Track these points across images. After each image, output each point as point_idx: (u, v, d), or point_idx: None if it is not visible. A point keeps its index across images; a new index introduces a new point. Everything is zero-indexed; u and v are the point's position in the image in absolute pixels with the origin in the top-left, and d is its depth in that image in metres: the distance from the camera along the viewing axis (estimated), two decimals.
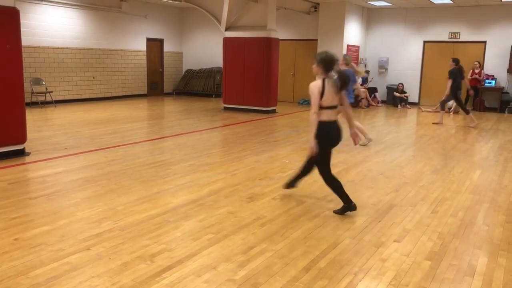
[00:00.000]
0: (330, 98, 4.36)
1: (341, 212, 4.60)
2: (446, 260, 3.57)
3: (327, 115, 4.39)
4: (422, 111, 13.98)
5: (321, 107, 4.34)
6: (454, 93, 10.79)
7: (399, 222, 4.41)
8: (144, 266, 3.34)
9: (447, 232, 4.18)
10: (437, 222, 4.42)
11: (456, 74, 10.69)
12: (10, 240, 3.75)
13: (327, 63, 4.38)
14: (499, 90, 14.11)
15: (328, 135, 4.45)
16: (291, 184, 5.20)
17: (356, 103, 14.89)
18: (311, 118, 4.34)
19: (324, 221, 4.39)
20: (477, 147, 8.68)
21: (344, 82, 4.38)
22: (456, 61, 10.86)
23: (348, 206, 4.57)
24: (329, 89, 4.33)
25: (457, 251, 3.77)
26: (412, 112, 13.95)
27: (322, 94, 4.32)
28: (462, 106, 11.22)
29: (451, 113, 13.34)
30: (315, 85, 4.37)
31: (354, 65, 8.16)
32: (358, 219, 4.46)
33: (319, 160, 4.57)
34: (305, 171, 5.02)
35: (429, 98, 15.24)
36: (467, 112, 11.03)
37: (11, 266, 3.30)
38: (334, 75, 4.37)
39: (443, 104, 11.34)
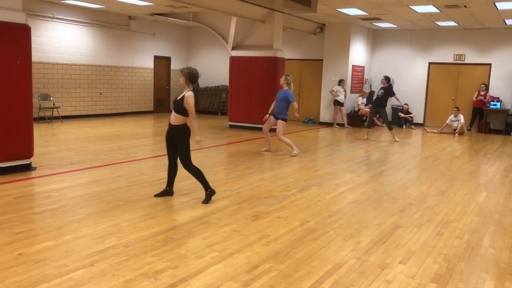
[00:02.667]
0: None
1: (207, 201, 5.39)
2: (452, 283, 3.54)
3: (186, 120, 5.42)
4: (427, 132, 13.98)
5: (186, 115, 5.33)
6: (379, 107, 11.89)
7: (404, 243, 4.38)
8: (148, 284, 3.32)
9: (453, 254, 4.14)
10: (443, 244, 4.38)
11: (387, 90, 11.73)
12: (14, 255, 3.75)
13: (194, 76, 5.35)
14: (504, 112, 14.11)
15: (189, 135, 5.48)
16: (168, 191, 5.70)
17: (360, 123, 14.98)
18: (195, 121, 5.38)
19: (328, 241, 4.36)
20: (482, 169, 8.64)
21: (198, 97, 5.46)
22: (388, 78, 11.85)
23: (211, 192, 5.43)
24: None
25: (463, 274, 3.73)
26: (417, 133, 13.95)
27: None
28: (371, 119, 12.30)
29: (456, 134, 13.33)
30: (191, 96, 5.29)
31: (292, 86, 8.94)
32: (363, 239, 4.43)
33: (186, 155, 5.42)
34: (173, 169, 5.65)
35: (434, 119, 15.25)
36: (369, 126, 12.34)
37: (14, 281, 3.29)
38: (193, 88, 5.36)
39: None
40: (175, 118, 5.41)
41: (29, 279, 3.33)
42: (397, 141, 11.51)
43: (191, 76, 5.34)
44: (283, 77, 8.97)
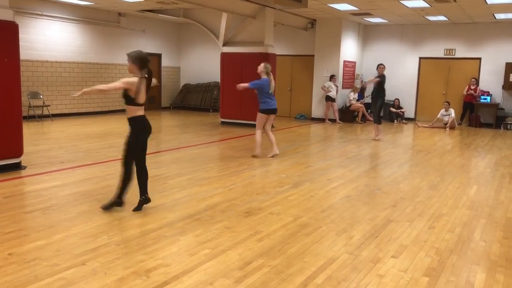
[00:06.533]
0: (143, 96, 4.74)
1: (140, 207, 4.93)
2: (444, 276, 3.56)
3: (142, 111, 4.81)
4: (419, 127, 14.04)
5: (137, 104, 4.71)
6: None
7: (396, 237, 4.40)
8: (140, 282, 3.30)
9: (444, 248, 4.16)
10: (435, 238, 4.41)
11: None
12: (4, 255, 3.71)
13: (142, 60, 4.69)
14: (494, 106, 14.22)
15: (145, 129, 4.85)
16: (117, 202, 4.97)
17: (352, 118, 15.02)
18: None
19: (321, 236, 4.37)
20: (473, 163, 8.70)
21: (151, 80, 4.79)
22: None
23: (145, 199, 4.95)
24: (143, 88, 4.70)
25: (455, 267, 3.75)
26: (408, 128, 14.01)
27: (137, 92, 4.66)
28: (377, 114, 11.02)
29: (447, 129, 13.41)
30: (132, 80, 4.66)
31: (272, 76, 8.32)
32: (355, 234, 4.44)
33: (138, 152, 4.88)
34: (127, 177, 4.98)
35: (425, 114, 15.33)
36: (378, 122, 11.01)
37: (4, 281, 3.26)
38: (145, 73, 4.71)
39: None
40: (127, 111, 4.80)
41: (20, 279, 3.30)
42: (376, 140, 10.93)
43: (139, 60, 4.67)
44: (262, 64, 8.28)
